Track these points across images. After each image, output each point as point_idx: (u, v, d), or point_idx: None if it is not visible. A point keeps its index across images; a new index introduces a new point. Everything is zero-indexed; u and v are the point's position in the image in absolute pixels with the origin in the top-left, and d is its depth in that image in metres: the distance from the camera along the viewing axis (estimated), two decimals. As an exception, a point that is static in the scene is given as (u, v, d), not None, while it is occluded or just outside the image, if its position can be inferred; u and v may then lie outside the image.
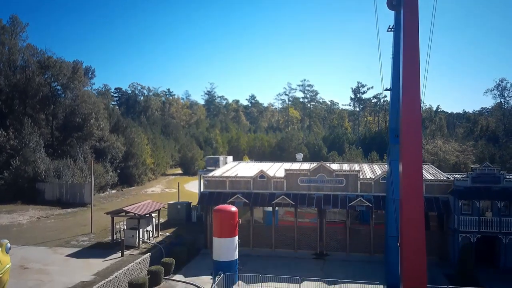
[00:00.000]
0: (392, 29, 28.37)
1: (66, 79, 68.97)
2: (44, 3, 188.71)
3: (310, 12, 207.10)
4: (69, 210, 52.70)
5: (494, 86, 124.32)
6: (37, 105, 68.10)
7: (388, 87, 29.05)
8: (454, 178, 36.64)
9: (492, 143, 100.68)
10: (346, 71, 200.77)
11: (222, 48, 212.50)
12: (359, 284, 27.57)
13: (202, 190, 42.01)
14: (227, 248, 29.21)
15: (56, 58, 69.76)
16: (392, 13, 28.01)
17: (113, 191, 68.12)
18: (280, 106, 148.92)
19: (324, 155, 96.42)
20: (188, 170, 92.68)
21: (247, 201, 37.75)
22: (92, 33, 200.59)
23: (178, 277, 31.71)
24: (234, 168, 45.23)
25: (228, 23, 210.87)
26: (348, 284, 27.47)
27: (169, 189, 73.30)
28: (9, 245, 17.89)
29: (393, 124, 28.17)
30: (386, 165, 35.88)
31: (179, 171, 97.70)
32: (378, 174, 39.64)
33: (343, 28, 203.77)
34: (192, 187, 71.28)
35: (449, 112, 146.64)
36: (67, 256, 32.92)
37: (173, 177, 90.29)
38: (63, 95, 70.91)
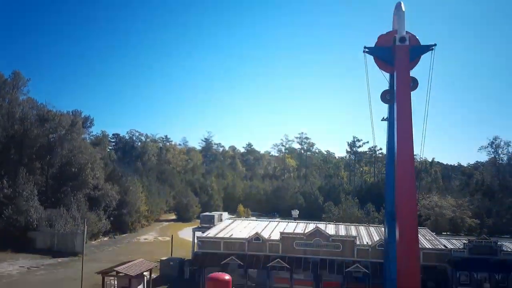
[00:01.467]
0: (386, 119, 29.16)
1: (64, 131, 69.55)
2: (45, 53, 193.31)
3: (306, 68, 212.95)
4: (59, 259, 51.55)
5: (488, 144, 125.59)
6: (33, 155, 68.21)
7: (383, 152, 29.35)
8: (451, 249, 36.37)
9: (487, 197, 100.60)
10: (342, 125, 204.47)
11: (221, 97, 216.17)
12: None
13: (196, 250, 41.33)
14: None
15: (56, 111, 70.63)
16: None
17: (105, 239, 66.99)
18: (277, 154, 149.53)
19: (320, 205, 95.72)
20: (183, 216, 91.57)
21: (241, 263, 37.12)
22: (92, 80, 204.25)
23: None
24: (229, 227, 44.76)
25: (227, 73, 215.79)
26: None
27: (162, 237, 71.96)
28: None
29: (390, 208, 28.17)
30: (383, 229, 35.68)
31: (173, 216, 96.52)
32: (375, 239, 39.31)
33: (340, 82, 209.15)
34: (186, 235, 69.72)
35: (445, 163, 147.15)
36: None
37: (167, 223, 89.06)
38: (59, 146, 71.05)
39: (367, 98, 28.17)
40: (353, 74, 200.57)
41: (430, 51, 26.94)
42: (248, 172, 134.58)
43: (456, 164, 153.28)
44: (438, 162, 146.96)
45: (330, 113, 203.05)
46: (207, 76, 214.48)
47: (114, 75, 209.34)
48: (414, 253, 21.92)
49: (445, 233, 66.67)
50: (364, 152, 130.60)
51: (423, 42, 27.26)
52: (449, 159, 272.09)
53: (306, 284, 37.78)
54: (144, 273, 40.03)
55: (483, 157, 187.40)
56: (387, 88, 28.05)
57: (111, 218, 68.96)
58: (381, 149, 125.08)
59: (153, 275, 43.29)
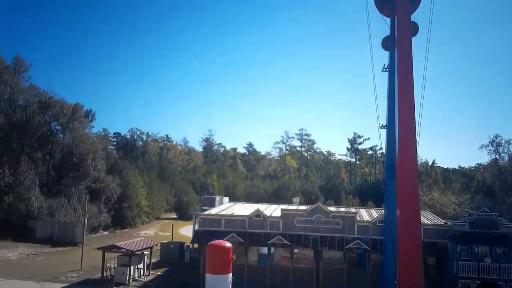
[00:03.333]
0: (387, 69, 29.29)
1: (66, 119, 69.56)
2: (48, 44, 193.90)
3: (307, 62, 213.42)
4: (59, 248, 51.61)
5: (489, 142, 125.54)
6: (35, 144, 68.21)
7: (384, 124, 29.54)
8: (452, 223, 36.34)
9: (489, 198, 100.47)
10: (343, 121, 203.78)
11: (221, 96, 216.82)
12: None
13: (196, 228, 41.33)
14: (220, 285, 28.23)
15: (58, 98, 70.73)
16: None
17: (106, 233, 66.73)
18: (277, 155, 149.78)
19: (321, 203, 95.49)
20: (183, 215, 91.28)
21: (242, 240, 37.08)
22: (94, 78, 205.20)
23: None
24: (230, 208, 44.80)
25: (227, 71, 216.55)
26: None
27: (163, 232, 71.95)
28: None
29: (390, 161, 28.40)
30: (383, 210, 35.72)
31: (174, 215, 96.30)
32: (375, 217, 39.30)
33: (340, 76, 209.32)
34: (186, 232, 69.89)
35: (445, 167, 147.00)
36: (54, 291, 31.90)
37: (168, 221, 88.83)
38: (61, 135, 71.23)
39: (371, 73, 28.10)
40: (355, 71, 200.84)
41: None
42: (249, 173, 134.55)
43: (457, 167, 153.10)
44: (438, 165, 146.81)
45: (331, 110, 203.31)
46: (207, 75, 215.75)
47: (115, 72, 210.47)
48: (414, 207, 21.83)
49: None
50: (365, 150, 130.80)
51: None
52: (449, 162, 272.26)
53: (307, 261, 37.69)
54: (145, 252, 40.15)
55: (484, 158, 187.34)
56: (389, 42, 27.93)
57: (112, 212, 68.87)
58: (381, 148, 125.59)
59: (153, 260, 43.34)
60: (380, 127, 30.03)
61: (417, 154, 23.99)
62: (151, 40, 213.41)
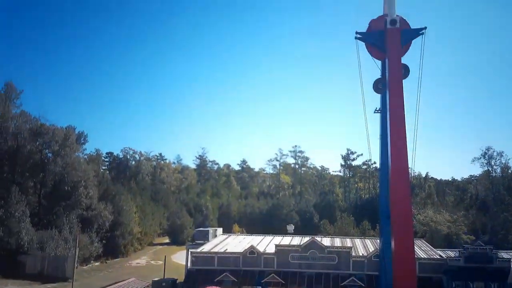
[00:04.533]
0: (379, 111, 29.24)
1: (58, 146, 68.74)
2: (39, 68, 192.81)
3: (300, 80, 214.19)
4: (49, 285, 50.48)
5: (481, 155, 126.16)
6: (27, 173, 67.26)
7: (378, 168, 29.39)
8: (447, 257, 36.13)
9: (482, 212, 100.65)
10: (337, 137, 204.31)
11: (215, 113, 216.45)
12: None
13: (189, 266, 40.74)
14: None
15: (49, 125, 69.96)
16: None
17: (97, 263, 65.65)
18: (271, 172, 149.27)
19: (315, 223, 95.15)
20: (176, 239, 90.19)
21: (235, 280, 36.60)
22: (86, 98, 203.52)
23: None
24: (223, 242, 44.32)
25: (220, 89, 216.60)
26: None
27: (155, 261, 70.78)
28: None
29: (384, 207, 28.15)
30: (378, 241, 35.42)
31: (167, 240, 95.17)
32: (370, 251, 39.04)
33: (332, 93, 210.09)
34: (180, 259, 68.86)
35: (438, 179, 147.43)
36: None
37: (160, 247, 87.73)
38: (53, 162, 70.36)
39: (360, 90, 28.06)
40: (348, 86, 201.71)
41: (421, 36, 27.13)
42: (243, 191, 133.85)
43: (450, 179, 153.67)
44: (432, 177, 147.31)
45: (325, 127, 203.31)
46: (200, 92, 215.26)
47: (107, 92, 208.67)
48: (410, 249, 21.67)
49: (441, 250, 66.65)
50: (359, 166, 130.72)
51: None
52: (442, 174, 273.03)
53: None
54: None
55: (477, 170, 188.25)
56: (380, 84, 27.98)
57: (104, 241, 67.73)
58: (375, 162, 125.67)
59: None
60: (374, 170, 29.87)
61: (411, 197, 23.93)
62: (143, 60, 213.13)
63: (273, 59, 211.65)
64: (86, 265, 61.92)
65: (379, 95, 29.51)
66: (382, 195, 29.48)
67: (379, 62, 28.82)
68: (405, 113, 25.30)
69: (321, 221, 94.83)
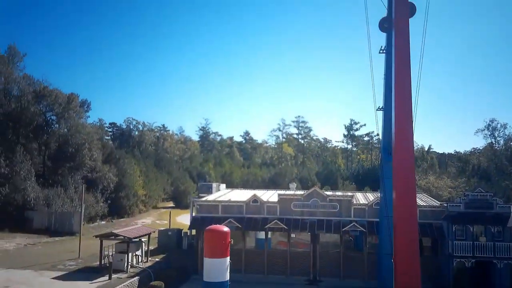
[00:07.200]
0: (384, 51, 29.21)
1: (61, 109, 69.13)
2: (43, 34, 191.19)
3: (303, 48, 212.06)
4: (57, 238, 51.69)
5: (485, 126, 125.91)
6: (30, 134, 67.92)
7: (381, 107, 29.57)
8: (447, 204, 36.64)
9: (484, 181, 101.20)
10: (340, 107, 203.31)
11: (217, 84, 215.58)
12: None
13: (194, 214, 41.49)
14: (218, 269, 28.43)
15: (52, 88, 70.19)
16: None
17: (103, 222, 66.87)
18: (274, 143, 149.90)
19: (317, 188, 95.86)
20: (180, 203, 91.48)
21: (239, 225, 37.25)
22: (90, 68, 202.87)
23: (167, 300, 30.74)
24: (227, 194, 44.95)
25: (223, 60, 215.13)
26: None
27: (160, 221, 72.14)
28: None
29: (386, 142, 28.50)
30: (379, 193, 35.88)
31: (171, 204, 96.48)
32: (371, 200, 39.54)
33: (337, 63, 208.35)
34: (184, 219, 69.97)
35: (441, 152, 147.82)
36: (53, 278, 32.06)
37: (165, 210, 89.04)
38: (57, 124, 70.85)
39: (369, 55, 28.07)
40: (352, 56, 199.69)
41: None
42: (245, 162, 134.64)
43: (452, 152, 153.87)
44: (434, 151, 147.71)
45: (328, 95, 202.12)
46: (203, 63, 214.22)
47: (111, 62, 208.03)
48: (410, 189, 21.89)
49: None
50: (362, 137, 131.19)
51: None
52: (445, 147, 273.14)
53: (304, 245, 38.02)
54: (143, 239, 40.26)
55: (480, 142, 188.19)
56: (385, 23, 27.86)
57: (109, 201, 68.96)
58: (378, 134, 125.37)
59: (151, 247, 43.49)
60: (377, 109, 30.06)
61: (413, 135, 23.97)
62: (147, 30, 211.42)
63: (273, 27, 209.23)
64: (93, 223, 63.12)
65: (383, 58, 29.65)
66: (385, 135, 29.80)
67: (385, 0, 28.60)
68: (410, 53, 25.09)
69: (323, 187, 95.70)
